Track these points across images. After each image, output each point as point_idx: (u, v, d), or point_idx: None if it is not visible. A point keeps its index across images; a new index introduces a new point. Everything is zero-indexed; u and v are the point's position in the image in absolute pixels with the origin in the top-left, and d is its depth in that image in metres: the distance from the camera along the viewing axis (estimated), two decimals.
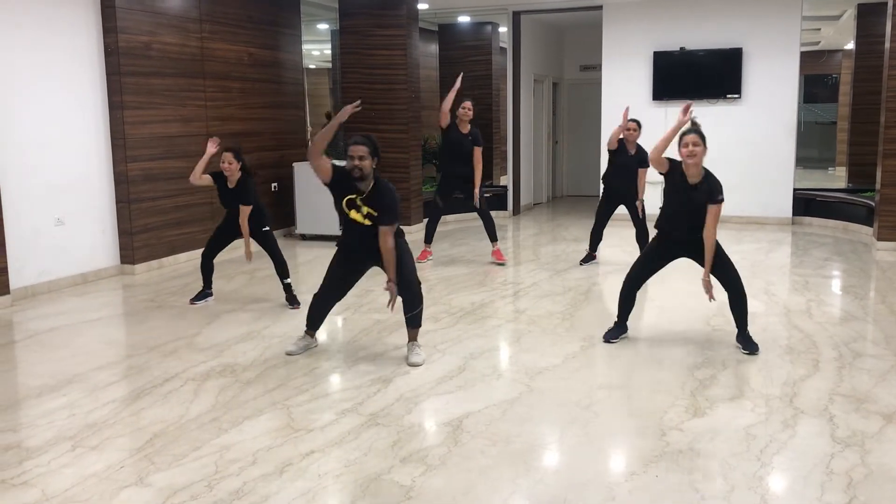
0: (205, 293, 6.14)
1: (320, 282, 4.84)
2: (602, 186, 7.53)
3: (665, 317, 5.68)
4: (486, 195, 7.67)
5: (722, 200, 4.53)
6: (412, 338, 4.70)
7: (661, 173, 4.63)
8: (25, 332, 5.46)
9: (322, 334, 5.22)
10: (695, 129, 4.51)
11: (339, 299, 4.88)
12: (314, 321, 4.87)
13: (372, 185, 4.45)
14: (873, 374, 4.31)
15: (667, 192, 4.72)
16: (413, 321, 4.67)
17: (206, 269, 6.11)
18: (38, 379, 4.43)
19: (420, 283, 4.67)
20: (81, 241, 6.91)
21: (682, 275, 6.47)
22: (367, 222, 4.48)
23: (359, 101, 4.49)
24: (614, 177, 7.20)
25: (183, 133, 7.74)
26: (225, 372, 4.50)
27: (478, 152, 7.38)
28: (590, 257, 7.54)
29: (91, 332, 5.45)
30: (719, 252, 4.70)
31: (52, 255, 6.63)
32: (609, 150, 7.14)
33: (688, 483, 3.10)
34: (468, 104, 7.32)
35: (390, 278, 4.47)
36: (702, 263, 4.71)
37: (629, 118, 6.95)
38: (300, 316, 5.66)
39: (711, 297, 4.73)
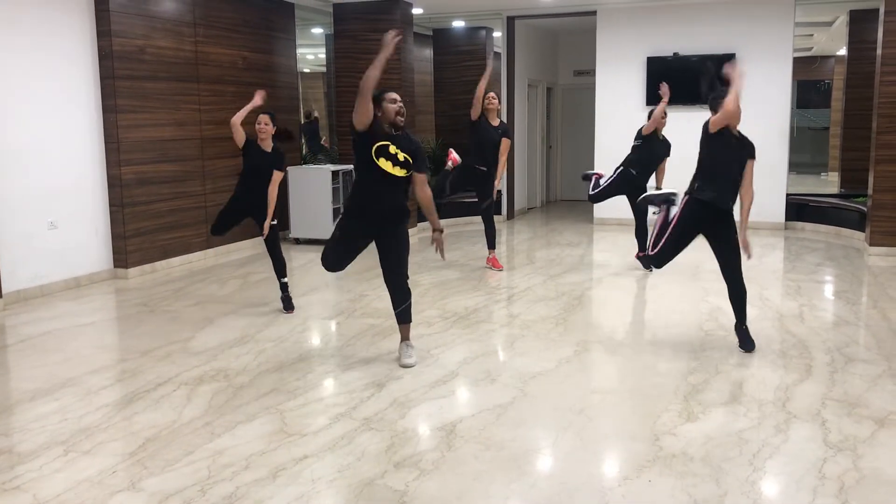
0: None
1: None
2: (621, 169, 7.25)
3: (659, 321, 5.69)
4: (493, 199, 7.55)
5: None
6: (405, 336, 4.69)
7: (714, 133, 4.57)
8: (18, 336, 5.44)
9: (315, 339, 5.22)
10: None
11: (347, 264, 4.76)
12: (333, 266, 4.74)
13: (401, 132, 4.45)
14: (865, 379, 4.33)
15: (714, 154, 4.64)
16: (404, 316, 4.65)
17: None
18: (31, 383, 4.41)
19: (408, 276, 4.66)
20: (75, 245, 6.89)
21: (675, 279, 6.49)
22: (400, 172, 4.41)
23: (399, 32, 4.39)
24: (638, 163, 7.08)
25: (177, 137, 7.73)
26: (218, 376, 4.49)
27: (505, 144, 7.35)
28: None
29: (84, 336, 5.43)
30: (734, 238, 4.72)
31: (46, 259, 6.61)
32: (643, 135, 7.05)
33: (681, 488, 3.11)
34: (493, 94, 7.31)
35: (435, 227, 4.46)
36: (716, 242, 4.76)
37: (662, 106, 6.99)
38: (294, 320, 5.67)
39: (749, 255, 4.69)
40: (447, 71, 11.85)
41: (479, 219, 7.66)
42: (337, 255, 4.69)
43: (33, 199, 6.49)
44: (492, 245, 7.55)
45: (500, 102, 7.39)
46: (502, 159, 7.36)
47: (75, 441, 3.61)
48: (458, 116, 11.79)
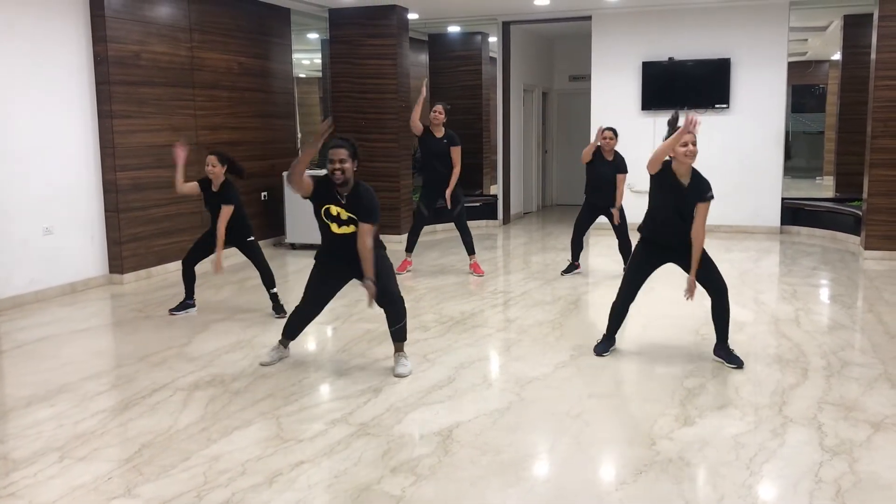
0: (186, 304, 6.07)
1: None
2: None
3: (654, 326, 5.69)
4: (465, 204, 7.51)
5: (711, 198, 4.47)
6: (398, 349, 4.68)
7: (652, 175, 4.57)
8: (13, 342, 5.42)
9: (311, 344, 5.22)
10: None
11: (319, 313, 4.83)
12: (292, 333, 4.84)
13: (351, 189, 4.39)
14: (861, 383, 4.33)
15: (655, 196, 4.66)
16: (398, 335, 4.63)
17: (189, 278, 6.02)
18: (26, 389, 4.40)
19: (402, 296, 4.64)
20: (70, 251, 6.87)
21: (670, 284, 6.49)
22: (349, 230, 4.42)
23: (331, 121, 4.40)
24: (592, 188, 7.16)
25: (172, 142, 7.61)
26: (214, 382, 4.48)
27: (455, 152, 7.31)
28: (572, 267, 7.51)
29: (79, 341, 5.42)
30: (705, 256, 4.66)
31: (41, 265, 6.59)
32: (586, 164, 7.09)
33: (677, 492, 3.11)
34: (438, 108, 7.26)
35: (367, 276, 4.35)
36: (687, 268, 4.66)
37: (604, 127, 7.00)
38: None
39: (691, 297, 4.64)
40: (443, 76, 11.85)
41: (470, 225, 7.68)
42: (315, 290, 4.68)
43: (29, 205, 6.48)
44: (471, 251, 7.52)
45: (445, 115, 7.31)
46: (456, 169, 7.31)
47: (71, 447, 3.59)
48: (453, 122, 11.78)
